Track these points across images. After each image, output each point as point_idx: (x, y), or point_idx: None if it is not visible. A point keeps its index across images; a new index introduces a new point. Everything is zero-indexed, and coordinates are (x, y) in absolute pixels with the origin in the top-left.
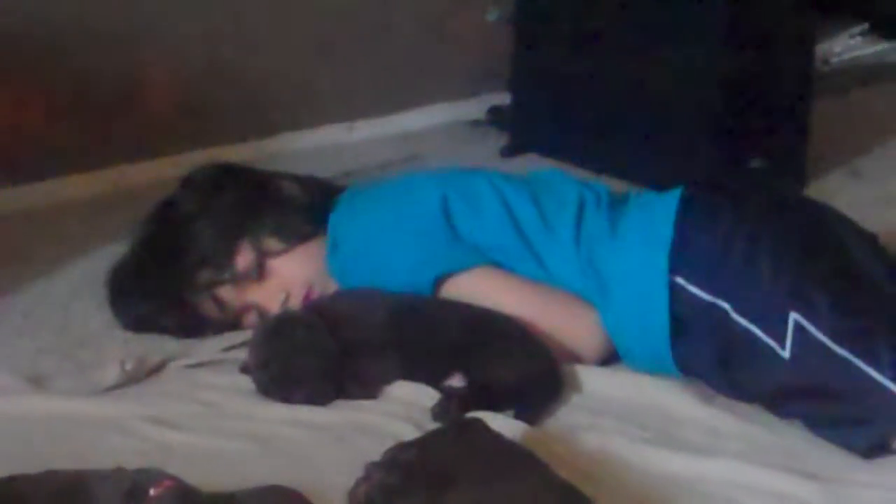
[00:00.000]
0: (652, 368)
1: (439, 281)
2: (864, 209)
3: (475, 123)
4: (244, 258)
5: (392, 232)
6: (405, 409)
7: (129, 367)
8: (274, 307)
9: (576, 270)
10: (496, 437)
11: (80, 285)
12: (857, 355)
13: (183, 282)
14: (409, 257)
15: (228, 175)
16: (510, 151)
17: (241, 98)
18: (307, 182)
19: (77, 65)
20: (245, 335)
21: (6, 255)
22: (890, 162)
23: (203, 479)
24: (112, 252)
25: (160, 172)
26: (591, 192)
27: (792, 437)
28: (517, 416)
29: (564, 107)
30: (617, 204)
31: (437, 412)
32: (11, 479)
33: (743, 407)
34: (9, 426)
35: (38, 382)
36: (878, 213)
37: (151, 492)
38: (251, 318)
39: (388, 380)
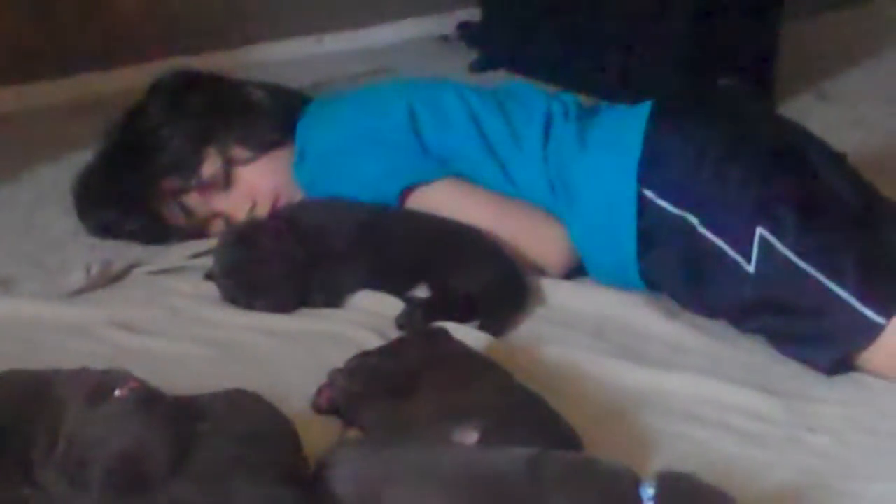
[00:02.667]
0: (618, 282)
1: (406, 192)
2: (832, 131)
3: (445, 38)
4: (211, 165)
5: (359, 142)
6: (369, 318)
7: (94, 271)
8: (240, 215)
9: (543, 182)
10: (459, 347)
11: (46, 191)
12: (822, 271)
13: (149, 188)
14: (376, 168)
15: (196, 82)
16: (479, 67)
17: (211, 8)
18: (275, 91)
19: None
20: (211, 243)
21: None
22: (857, 85)
23: (167, 383)
24: (79, 159)
25: (129, 80)
26: (559, 104)
27: (755, 354)
28: (481, 327)
29: (534, 22)
30: (586, 116)
31: (402, 321)
32: None
33: (707, 322)
34: None
35: (2, 286)
36: (845, 135)
37: (116, 392)
38: (217, 226)
39: (353, 289)
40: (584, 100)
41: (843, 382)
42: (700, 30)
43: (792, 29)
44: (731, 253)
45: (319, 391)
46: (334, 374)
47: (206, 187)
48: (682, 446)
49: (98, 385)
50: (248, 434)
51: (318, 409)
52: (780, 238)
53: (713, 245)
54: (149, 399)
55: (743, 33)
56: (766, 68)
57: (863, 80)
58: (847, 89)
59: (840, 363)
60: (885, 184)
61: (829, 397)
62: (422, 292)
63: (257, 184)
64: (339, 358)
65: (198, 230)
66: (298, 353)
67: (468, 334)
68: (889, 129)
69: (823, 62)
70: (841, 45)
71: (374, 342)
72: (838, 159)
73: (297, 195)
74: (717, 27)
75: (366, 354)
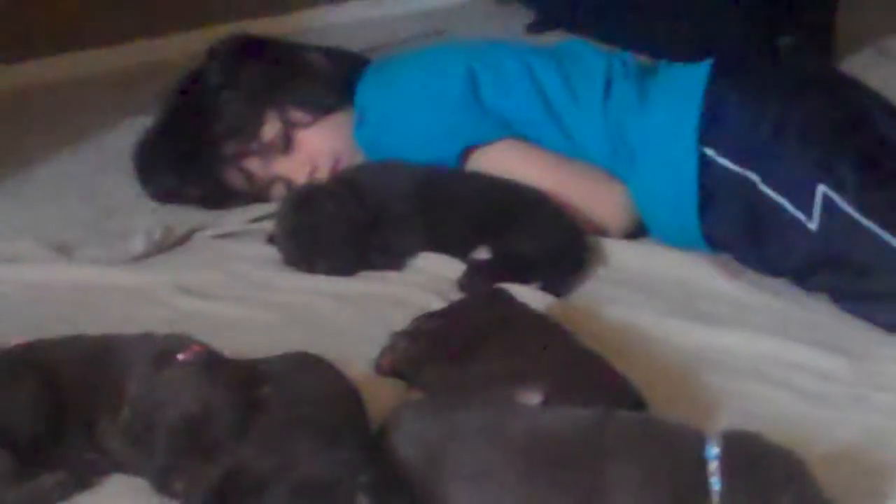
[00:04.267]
0: (679, 242)
1: (466, 153)
2: (893, 87)
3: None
4: (271, 129)
5: (419, 103)
6: (431, 280)
7: (156, 236)
8: (301, 179)
9: (604, 142)
10: (522, 307)
11: (108, 156)
12: (884, 227)
13: (209, 153)
14: (436, 128)
15: (255, 46)
16: (537, 28)
17: None
18: (334, 54)
19: None
20: (272, 207)
21: (36, 124)
22: None
23: (229, 346)
24: (141, 124)
25: (190, 45)
26: (618, 63)
27: (819, 312)
28: (543, 288)
29: None
30: (645, 75)
31: (463, 283)
32: (40, 344)
33: (769, 281)
34: (35, 293)
35: (65, 251)
36: None
37: (180, 356)
38: (278, 190)
39: (414, 251)
40: (643, 59)
41: None
42: None
43: None
44: (793, 210)
45: (382, 353)
46: (396, 337)
47: (267, 151)
48: (746, 405)
49: (161, 349)
50: (311, 397)
51: (380, 371)
52: (841, 195)
53: (775, 203)
54: (212, 363)
55: None
56: (826, 25)
57: None
58: None
59: None
60: None
61: (893, 355)
62: (483, 254)
63: (317, 147)
64: (401, 320)
65: (258, 194)
66: (360, 316)
67: (530, 295)
68: None
69: (884, 18)
70: None
71: (435, 304)
72: None
73: (358, 158)
74: None
75: (428, 316)
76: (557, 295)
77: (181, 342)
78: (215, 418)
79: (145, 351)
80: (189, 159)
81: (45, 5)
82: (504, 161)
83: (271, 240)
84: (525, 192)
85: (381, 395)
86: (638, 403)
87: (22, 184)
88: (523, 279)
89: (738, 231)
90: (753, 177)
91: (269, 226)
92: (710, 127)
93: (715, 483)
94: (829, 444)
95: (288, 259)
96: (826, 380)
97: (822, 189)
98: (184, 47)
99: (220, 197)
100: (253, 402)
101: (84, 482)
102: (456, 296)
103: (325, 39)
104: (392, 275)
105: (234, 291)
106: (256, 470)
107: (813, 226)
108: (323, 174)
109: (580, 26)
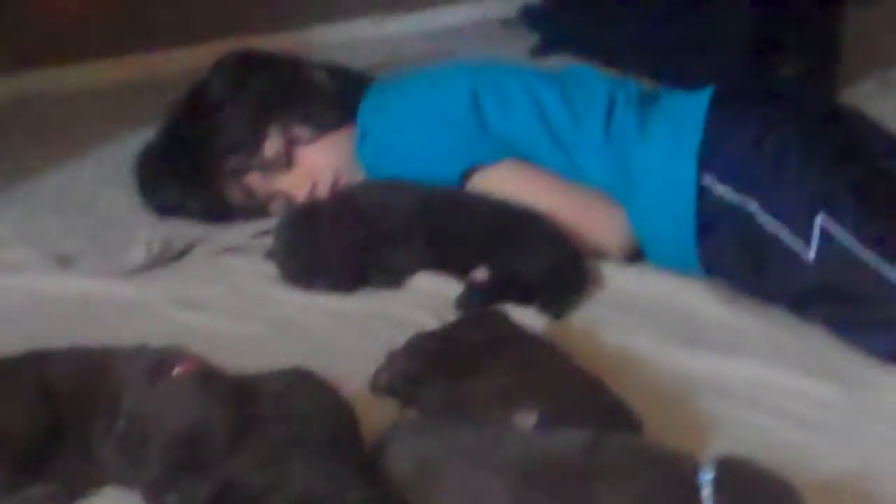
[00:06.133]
0: (676, 267)
1: (467, 173)
2: (894, 117)
3: (507, 22)
4: (272, 145)
5: (421, 122)
6: (429, 299)
7: (155, 249)
8: (301, 195)
9: (604, 167)
10: (519, 329)
11: (109, 169)
12: (883, 259)
13: (211, 168)
14: (438, 148)
15: (258, 61)
16: (541, 51)
17: None
18: (337, 71)
19: None
20: (271, 222)
21: (38, 135)
22: None
23: (225, 360)
24: (143, 137)
25: (194, 60)
26: (621, 89)
27: (815, 340)
28: (540, 310)
29: (596, 6)
30: (647, 101)
31: (461, 303)
32: (37, 354)
33: (766, 309)
34: (34, 304)
35: (64, 262)
36: None
37: (175, 370)
38: (278, 206)
39: (413, 270)
40: (645, 85)
41: None
42: (763, 16)
43: (857, 15)
44: (791, 240)
45: (378, 372)
46: (393, 355)
47: (268, 167)
48: (741, 432)
49: (157, 363)
50: (307, 413)
51: (375, 389)
52: (840, 225)
53: (773, 231)
54: (208, 377)
55: (807, 19)
56: (829, 55)
57: None
58: None
59: None
60: None
61: (889, 384)
62: (481, 274)
63: (318, 164)
64: (397, 339)
65: (259, 209)
66: (357, 334)
67: (527, 317)
68: None
69: (888, 49)
70: None
71: (432, 324)
72: None
73: (359, 176)
74: (781, 13)
75: (424, 336)
76: (555, 316)
77: (177, 355)
78: (209, 433)
79: (141, 364)
80: (190, 173)
81: (48, 16)
82: (505, 182)
83: (270, 255)
84: (525, 213)
85: (376, 414)
86: (633, 427)
87: (23, 194)
88: (521, 300)
89: (736, 258)
90: (752, 205)
91: (268, 241)
92: (710, 154)
93: None
94: (824, 473)
95: (286, 275)
96: (821, 408)
97: (820, 219)
98: (187, 61)
99: (220, 211)
100: (247, 418)
101: (77, 494)
102: (453, 316)
103: (330, 57)
104: (390, 293)
105: (231, 306)
106: (249, 485)
107: (811, 256)
108: (323, 191)
109: (584, 50)
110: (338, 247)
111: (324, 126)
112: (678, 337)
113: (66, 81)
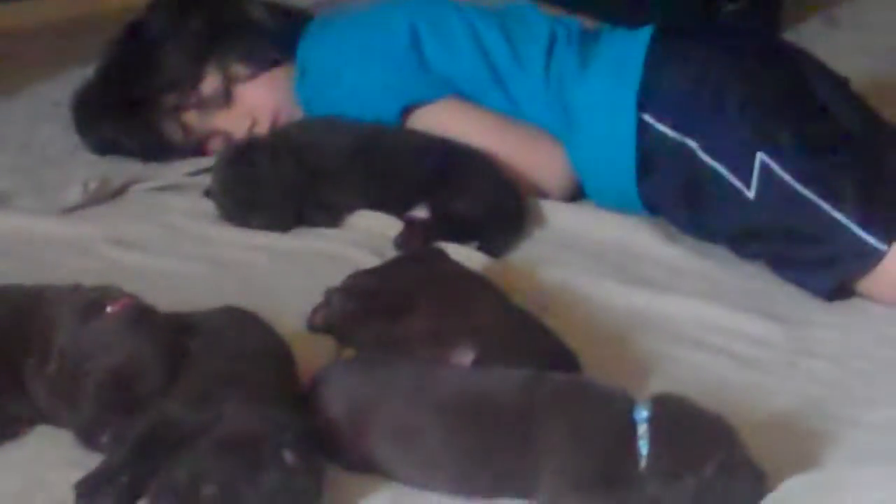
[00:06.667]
0: (618, 206)
1: (406, 111)
2: (839, 57)
3: None
4: (210, 83)
5: (360, 60)
6: (367, 237)
7: (91, 187)
8: (240, 133)
9: (544, 104)
10: (457, 267)
11: (47, 107)
12: (822, 196)
13: (149, 105)
14: (377, 86)
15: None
16: None
17: None
18: (276, 9)
19: None
20: (210, 160)
21: None
22: (867, 10)
23: (161, 299)
24: (80, 76)
25: None
26: (562, 27)
27: (755, 278)
28: (480, 248)
29: None
30: (588, 40)
31: (400, 241)
32: None
33: (707, 247)
34: None
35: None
36: (853, 62)
37: (109, 308)
38: (217, 144)
39: (351, 208)
40: (587, 23)
41: (843, 308)
42: None
43: None
44: (732, 178)
45: (315, 310)
46: (330, 294)
47: (206, 104)
48: (680, 370)
49: (90, 301)
50: (241, 352)
51: (313, 327)
52: (780, 163)
53: (713, 170)
54: (141, 316)
55: None
56: None
57: (872, 6)
58: (856, 15)
59: (840, 289)
60: (891, 111)
61: (828, 322)
62: (421, 212)
63: (257, 102)
64: (335, 277)
65: (197, 148)
66: (295, 272)
67: (467, 255)
68: None
69: None
70: None
71: (371, 262)
72: (841, 85)
73: (298, 114)
74: None
75: (363, 274)
76: (494, 255)
77: (111, 294)
78: (142, 371)
79: (74, 302)
80: (127, 111)
81: None
82: (445, 120)
83: (208, 193)
84: (464, 151)
85: (313, 352)
86: (571, 365)
87: None
88: (460, 238)
89: (676, 197)
90: (692, 143)
91: (206, 179)
92: (650, 93)
93: (643, 446)
94: (761, 410)
95: (224, 213)
96: (760, 346)
97: (760, 157)
98: None
99: (157, 149)
100: (181, 356)
101: (9, 432)
102: (392, 254)
103: None
104: (328, 231)
105: (168, 244)
106: (182, 423)
107: (751, 194)
108: (262, 129)
109: None
110: (275, 185)
111: (263, 64)
112: (618, 275)
113: (5, 19)
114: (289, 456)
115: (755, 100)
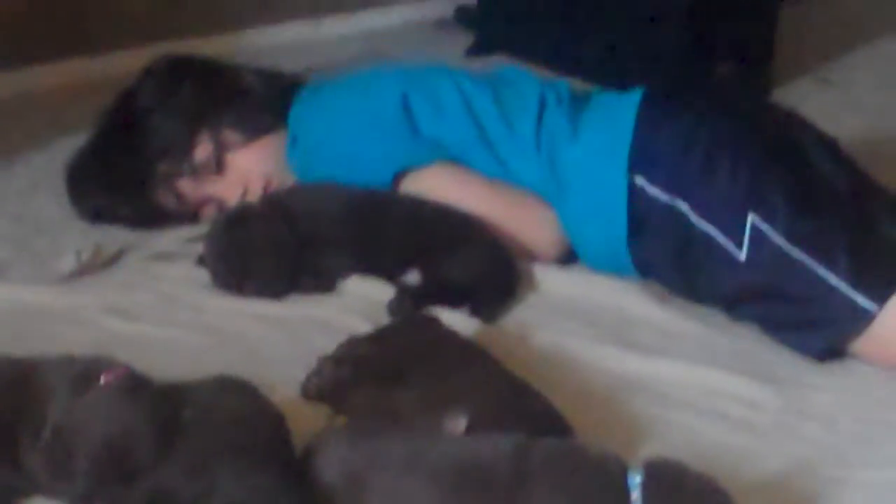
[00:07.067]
0: (609, 268)
1: (398, 176)
2: (830, 116)
3: (442, 23)
4: (203, 150)
5: (352, 126)
6: (360, 303)
7: (84, 256)
8: (232, 200)
9: (535, 168)
10: (449, 334)
11: (39, 176)
12: (813, 258)
13: (141, 173)
14: (369, 152)
15: (189, 66)
16: (476, 51)
17: None
18: (268, 75)
19: None
20: (203, 228)
21: None
22: (857, 69)
23: (155, 369)
24: (74, 144)
25: (125, 65)
26: (552, 91)
27: (747, 340)
28: (472, 314)
29: (531, 7)
30: (578, 103)
31: (393, 307)
32: None
33: (699, 309)
34: None
35: None
36: (843, 120)
37: (102, 378)
38: (210, 211)
39: (344, 274)
40: (577, 85)
41: (834, 369)
42: (698, 14)
43: (792, 13)
44: (723, 240)
45: (308, 377)
46: (323, 361)
47: (198, 172)
48: (673, 433)
49: (84, 372)
50: (235, 421)
51: (306, 395)
52: (771, 225)
53: (704, 232)
54: (135, 386)
55: (741, 17)
56: (765, 53)
57: (863, 65)
58: (847, 74)
59: (832, 350)
60: (881, 170)
61: (820, 384)
62: (413, 278)
63: (249, 169)
64: (328, 344)
65: (190, 215)
66: (288, 339)
67: (459, 320)
68: (888, 114)
69: (823, 46)
70: (841, 29)
71: (364, 328)
72: (831, 145)
73: (290, 180)
74: (715, 11)
75: (355, 341)
76: (487, 320)
77: (104, 364)
78: (136, 442)
79: (68, 373)
80: (120, 179)
81: None
82: (436, 185)
83: (201, 261)
84: (456, 216)
85: (307, 420)
86: (563, 431)
87: None
88: (453, 304)
89: (668, 259)
90: (683, 206)
91: (199, 247)
92: (641, 155)
93: None
94: (754, 473)
95: (217, 281)
96: (752, 408)
97: (751, 218)
98: (119, 66)
99: (150, 217)
100: (175, 426)
101: None
102: (385, 320)
103: (262, 60)
104: (321, 298)
105: (162, 313)
106: (177, 494)
107: (742, 256)
108: (254, 196)
109: (518, 50)
110: (269, 251)
111: (254, 130)
112: (611, 338)
113: None
114: None
115: (745, 161)
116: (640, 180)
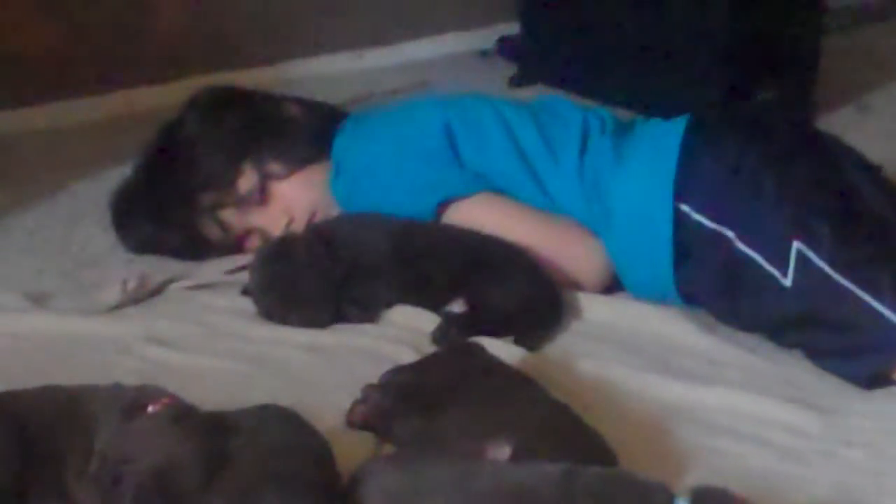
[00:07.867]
0: (654, 296)
1: (442, 206)
2: (871, 143)
3: (484, 53)
4: (247, 181)
5: (395, 156)
6: (404, 333)
7: (130, 286)
8: (277, 231)
9: (579, 197)
10: (494, 362)
11: (85, 207)
12: (858, 285)
13: (186, 204)
14: (412, 182)
15: (232, 97)
16: (518, 82)
17: (250, 24)
18: (312, 106)
19: None
20: (247, 258)
21: (14, 174)
22: None
23: (201, 398)
24: (119, 175)
25: (170, 97)
26: (595, 119)
27: (792, 367)
28: (516, 342)
29: (573, 37)
30: (622, 131)
31: (437, 336)
32: (10, 395)
33: (744, 336)
34: (9, 343)
35: (39, 301)
36: (884, 148)
37: (149, 408)
38: (254, 241)
39: (388, 304)
40: (621, 114)
41: (881, 396)
42: (739, 44)
43: (833, 41)
44: (768, 267)
45: (353, 406)
46: (368, 390)
47: (243, 202)
48: (718, 461)
49: (132, 401)
50: (281, 449)
51: (351, 424)
52: (816, 252)
53: (750, 259)
54: (182, 415)
55: (783, 46)
56: (807, 80)
57: None
58: (888, 102)
59: (878, 377)
60: None
61: (866, 411)
62: (458, 307)
63: (293, 199)
64: (373, 373)
65: (235, 245)
66: (333, 369)
67: (503, 349)
68: None
69: (864, 74)
70: (883, 58)
71: (409, 357)
72: (874, 172)
73: (334, 210)
74: (757, 40)
75: (400, 370)
76: (531, 349)
77: (151, 394)
78: (183, 471)
79: (115, 402)
80: (165, 209)
81: (20, 56)
82: (480, 214)
83: (246, 291)
84: (500, 245)
85: (352, 449)
86: (608, 458)
87: None
88: (497, 332)
89: (713, 287)
90: (729, 233)
91: (244, 277)
92: (686, 183)
93: None
94: (800, 501)
95: (262, 311)
96: (798, 436)
97: (797, 245)
98: (163, 98)
99: (195, 247)
100: (221, 455)
101: None
102: (429, 349)
103: (307, 91)
104: (366, 327)
105: (207, 343)
106: None
107: (787, 282)
108: (299, 226)
109: (561, 80)
110: (313, 282)
111: (298, 161)
112: (655, 366)
113: (38, 121)
114: None
115: (790, 188)
116: (685, 208)
